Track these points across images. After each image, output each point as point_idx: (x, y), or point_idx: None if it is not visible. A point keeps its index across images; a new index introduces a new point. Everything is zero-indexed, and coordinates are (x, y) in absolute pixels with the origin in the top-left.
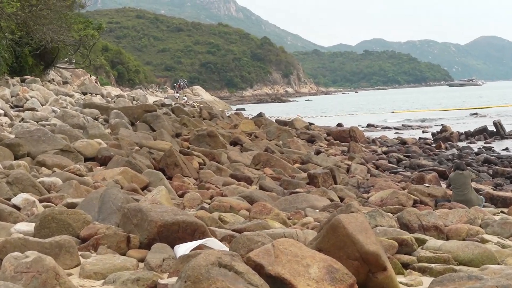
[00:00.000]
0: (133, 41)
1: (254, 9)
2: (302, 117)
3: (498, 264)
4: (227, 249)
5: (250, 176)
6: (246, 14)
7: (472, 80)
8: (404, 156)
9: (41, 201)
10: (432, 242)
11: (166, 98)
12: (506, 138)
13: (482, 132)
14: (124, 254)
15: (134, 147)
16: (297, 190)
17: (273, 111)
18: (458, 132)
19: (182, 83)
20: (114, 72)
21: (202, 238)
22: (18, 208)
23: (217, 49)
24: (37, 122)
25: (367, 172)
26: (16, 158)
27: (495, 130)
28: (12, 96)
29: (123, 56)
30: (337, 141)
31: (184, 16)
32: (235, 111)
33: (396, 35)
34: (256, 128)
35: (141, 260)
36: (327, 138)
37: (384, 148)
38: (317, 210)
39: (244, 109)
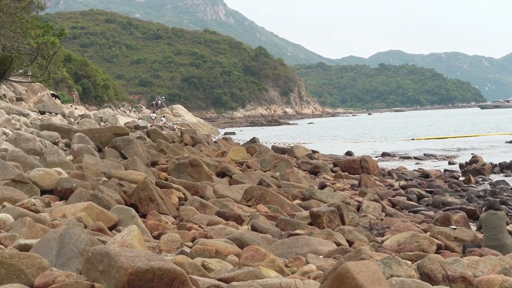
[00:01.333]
0: (101, 50)
1: (248, 14)
2: (303, 144)
3: None
4: None
5: (241, 214)
6: (237, 19)
7: (508, 101)
8: (426, 191)
9: None
10: None
11: (140, 119)
12: None
13: None
14: None
15: (101, 178)
16: (297, 231)
17: (269, 136)
18: (491, 163)
19: (160, 101)
20: (78, 87)
21: None
22: None
23: (203, 61)
24: None
25: (382, 211)
26: None
27: None
28: None
29: (89, 68)
30: (346, 173)
31: (164, 21)
32: (223, 136)
33: (417, 46)
34: (248, 157)
35: None
36: (334, 169)
37: (402, 182)
38: (321, 256)
39: (234, 133)
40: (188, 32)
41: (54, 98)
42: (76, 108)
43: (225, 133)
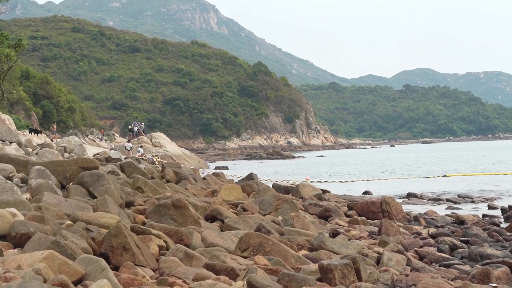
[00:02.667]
0: (66, 65)
1: (245, 22)
2: (312, 182)
3: None
4: None
5: (235, 268)
6: (232, 29)
7: None
8: (461, 241)
9: None
10: None
11: (112, 149)
12: None
13: None
14: None
15: (65, 221)
16: None
17: (270, 172)
18: None
19: (136, 128)
20: (38, 110)
21: None
22: None
23: (189, 79)
24: None
25: (407, 265)
26: None
27: None
28: None
29: (51, 86)
30: (363, 218)
31: (142, 30)
32: (213, 171)
33: (450, 64)
34: (244, 197)
35: None
36: (349, 213)
37: (432, 230)
38: None
39: (227, 168)
40: (172, 44)
41: (33, 134)
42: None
43: (216, 168)
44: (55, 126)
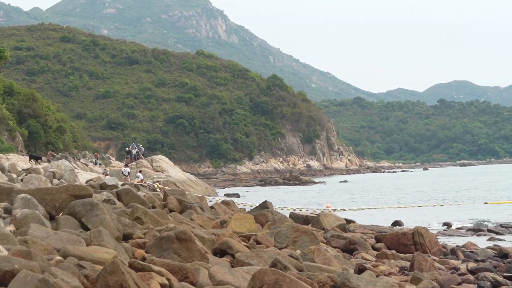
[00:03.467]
0: (55, 80)
1: (257, 30)
2: (334, 210)
3: None
4: None
5: None
6: (243, 38)
7: None
8: (505, 277)
9: None
10: None
11: (108, 175)
12: None
13: None
14: None
15: (54, 257)
16: None
17: (287, 200)
18: None
19: (135, 151)
20: (23, 131)
21: None
22: None
23: (195, 95)
24: None
25: None
26: None
27: None
28: None
29: (38, 104)
30: (393, 251)
31: (141, 40)
32: (223, 199)
33: (491, 76)
34: (257, 228)
35: None
36: (376, 245)
37: (471, 264)
38: None
39: (237, 196)
40: (174, 55)
41: (34, 161)
42: (29, 151)
43: (226, 195)
44: (52, 154)
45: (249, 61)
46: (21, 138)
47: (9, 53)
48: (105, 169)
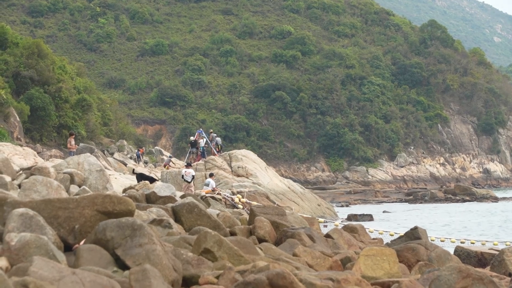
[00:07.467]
0: (74, 24)
1: None
2: None
3: None
4: None
5: None
6: None
7: None
8: None
9: None
10: None
11: (159, 179)
12: None
13: None
14: None
15: None
16: None
17: (451, 226)
18: None
19: (203, 142)
20: (22, 106)
21: None
22: None
23: (302, 52)
24: None
25: None
26: None
27: None
28: None
29: (46, 62)
30: None
31: None
32: (344, 222)
33: None
34: (401, 271)
35: None
36: None
37: None
38: None
39: (370, 217)
40: None
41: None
42: (134, 170)
43: (350, 217)
44: (73, 142)
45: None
46: (18, 118)
47: None
48: (154, 171)
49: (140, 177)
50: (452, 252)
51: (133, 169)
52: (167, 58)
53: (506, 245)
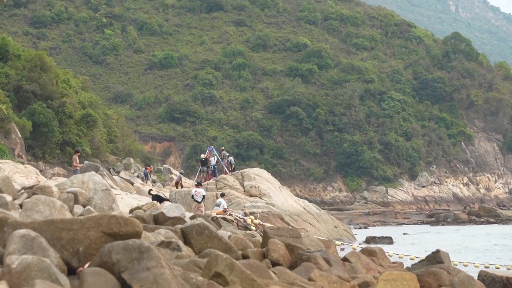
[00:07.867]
0: (79, 35)
1: None
2: None
3: None
4: None
5: None
6: None
7: None
8: None
9: None
10: None
11: (167, 200)
12: None
13: None
14: None
15: None
16: None
17: (474, 249)
18: None
19: (214, 160)
20: (23, 121)
21: None
22: None
23: (319, 65)
24: None
25: None
26: None
27: None
28: None
29: (49, 76)
30: None
31: None
32: (362, 245)
33: None
34: None
35: None
36: None
37: None
38: None
39: (390, 240)
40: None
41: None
42: (150, 191)
43: (369, 239)
44: (77, 159)
45: (414, 10)
46: (19, 134)
47: None
48: (162, 190)
49: (157, 199)
50: (476, 277)
51: (150, 190)
52: (177, 71)
53: None
